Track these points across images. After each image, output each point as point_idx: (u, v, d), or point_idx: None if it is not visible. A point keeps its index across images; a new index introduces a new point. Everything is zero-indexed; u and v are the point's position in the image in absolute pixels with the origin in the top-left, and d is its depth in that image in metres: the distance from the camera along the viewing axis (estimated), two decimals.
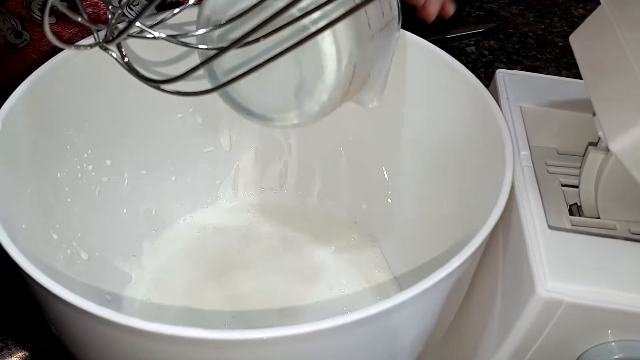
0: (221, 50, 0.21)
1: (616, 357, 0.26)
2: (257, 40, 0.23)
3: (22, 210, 0.32)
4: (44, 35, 0.42)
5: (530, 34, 0.74)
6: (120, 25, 0.25)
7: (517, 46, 0.72)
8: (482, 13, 0.77)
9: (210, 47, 0.24)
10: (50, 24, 0.31)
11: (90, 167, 0.39)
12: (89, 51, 0.30)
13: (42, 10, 0.20)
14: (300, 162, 0.47)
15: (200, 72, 0.24)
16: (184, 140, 0.44)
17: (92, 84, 0.38)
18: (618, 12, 0.27)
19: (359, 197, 0.46)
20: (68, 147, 0.37)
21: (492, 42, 0.72)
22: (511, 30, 0.74)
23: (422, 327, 0.28)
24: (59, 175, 0.37)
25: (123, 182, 0.42)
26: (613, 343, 0.27)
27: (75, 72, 0.36)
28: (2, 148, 0.31)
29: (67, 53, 0.35)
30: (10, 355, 0.40)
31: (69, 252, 0.37)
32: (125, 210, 0.42)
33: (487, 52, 0.70)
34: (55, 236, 0.36)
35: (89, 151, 0.39)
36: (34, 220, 0.34)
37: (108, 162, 0.41)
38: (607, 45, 0.27)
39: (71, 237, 0.37)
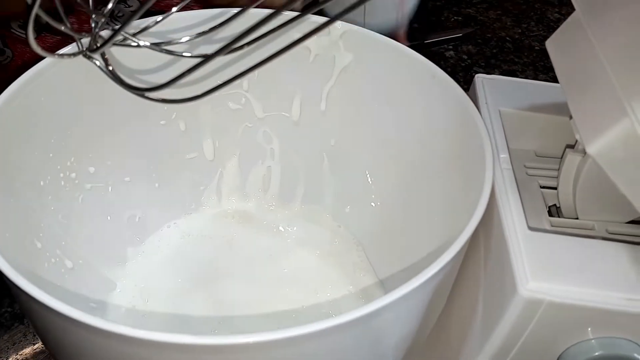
0: (206, 58, 0.21)
1: (596, 353, 0.27)
2: (240, 47, 0.23)
3: (6, 218, 0.32)
4: (26, 51, 0.42)
5: (507, 38, 0.75)
6: (104, 34, 0.25)
7: (494, 50, 0.73)
8: (460, 18, 0.78)
9: (194, 54, 0.25)
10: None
11: (73, 174, 0.39)
12: (70, 59, 0.30)
13: (23, 25, 0.20)
14: (283, 167, 0.47)
15: (185, 79, 0.24)
16: (167, 146, 0.44)
17: (74, 92, 0.37)
18: (591, 19, 0.28)
19: (343, 201, 0.46)
20: (51, 155, 0.37)
21: (470, 46, 0.73)
22: (489, 35, 0.75)
23: (406, 329, 0.29)
24: (42, 183, 0.37)
25: (106, 189, 0.42)
26: (593, 340, 0.27)
27: (57, 81, 0.36)
28: None
29: (48, 62, 0.34)
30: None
31: (53, 260, 0.37)
32: (109, 218, 0.42)
33: (465, 57, 0.71)
34: (39, 245, 0.35)
35: (72, 159, 0.39)
36: (17, 229, 0.34)
37: (91, 170, 0.40)
38: (582, 51, 0.28)
39: (55, 245, 0.37)
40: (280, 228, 0.47)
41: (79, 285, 0.38)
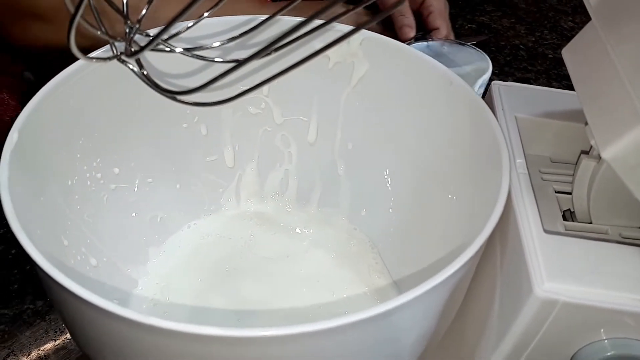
0: (239, 63, 0.22)
1: (609, 354, 0.28)
2: (268, 53, 0.25)
3: (37, 216, 0.33)
4: None
5: (521, 46, 0.76)
6: (136, 38, 0.26)
7: (508, 58, 0.74)
8: (474, 26, 0.79)
9: (225, 60, 0.26)
10: None
11: (99, 175, 0.40)
12: (100, 63, 0.31)
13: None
14: (300, 170, 0.48)
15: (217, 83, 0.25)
16: (189, 149, 0.46)
17: (101, 95, 0.39)
18: (607, 27, 0.29)
19: (359, 205, 0.47)
20: (78, 155, 0.38)
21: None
22: (503, 43, 0.76)
23: (423, 328, 0.29)
24: (69, 182, 0.38)
25: (130, 189, 0.43)
26: (606, 340, 0.28)
27: (85, 84, 0.37)
28: (19, 156, 0.32)
29: (77, 66, 0.36)
30: None
31: (78, 257, 0.38)
32: (131, 218, 0.44)
33: None
34: (66, 242, 0.37)
35: (98, 160, 0.40)
36: (47, 226, 0.35)
37: (116, 170, 0.42)
38: (598, 59, 0.29)
39: (80, 243, 0.38)
40: (297, 230, 0.48)
41: (102, 282, 0.39)
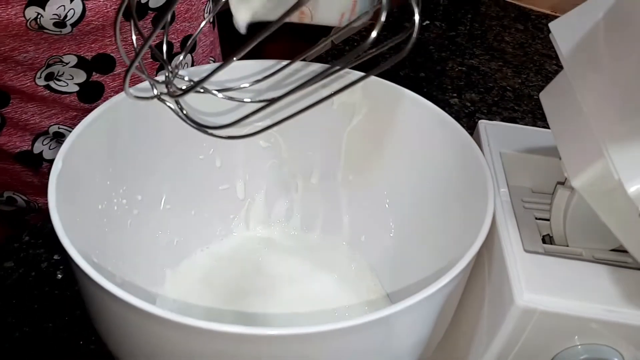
0: (269, 102, 0.27)
1: (581, 357, 0.32)
2: (294, 93, 0.29)
3: (76, 236, 0.37)
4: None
5: (508, 87, 0.81)
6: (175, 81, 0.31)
7: (496, 99, 0.79)
8: (464, 68, 0.84)
9: (256, 100, 0.30)
10: None
11: (124, 201, 0.44)
12: (132, 101, 0.35)
13: (126, 72, 0.25)
14: (305, 199, 0.53)
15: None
16: (204, 179, 0.50)
17: (131, 128, 0.43)
18: (576, 75, 0.33)
19: (358, 231, 0.51)
20: (108, 182, 0.43)
21: (473, 94, 0.79)
22: (491, 84, 0.81)
23: (419, 335, 0.33)
24: (99, 207, 0.42)
25: (150, 215, 0.47)
26: (579, 346, 0.32)
27: (120, 118, 0.42)
28: (63, 182, 0.36)
29: (115, 100, 0.40)
30: None
31: (105, 275, 0.42)
32: (151, 241, 0.48)
33: (469, 104, 0.77)
34: (95, 260, 0.40)
35: (125, 187, 0.44)
36: (81, 246, 0.39)
37: (139, 197, 0.46)
38: (568, 101, 0.33)
39: (107, 263, 0.42)
40: (301, 254, 0.51)
41: None
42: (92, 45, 0.49)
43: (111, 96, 0.41)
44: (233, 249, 0.51)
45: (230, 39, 0.70)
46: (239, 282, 0.49)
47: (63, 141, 0.36)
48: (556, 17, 0.37)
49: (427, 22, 0.94)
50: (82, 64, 0.51)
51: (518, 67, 0.85)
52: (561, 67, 0.36)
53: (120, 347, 0.35)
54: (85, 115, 0.39)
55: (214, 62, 0.65)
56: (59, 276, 0.51)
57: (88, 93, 0.53)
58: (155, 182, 0.47)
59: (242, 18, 0.34)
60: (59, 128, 0.54)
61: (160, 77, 0.36)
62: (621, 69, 0.31)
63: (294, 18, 0.34)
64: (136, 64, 0.25)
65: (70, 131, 0.42)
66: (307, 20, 0.35)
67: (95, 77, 0.52)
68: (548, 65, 0.86)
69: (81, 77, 0.52)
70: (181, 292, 0.48)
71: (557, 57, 0.88)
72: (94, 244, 0.41)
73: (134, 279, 0.45)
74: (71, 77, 0.51)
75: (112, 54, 0.52)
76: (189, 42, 0.53)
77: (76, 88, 0.52)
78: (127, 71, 0.25)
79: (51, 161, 0.38)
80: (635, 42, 0.30)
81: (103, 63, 0.52)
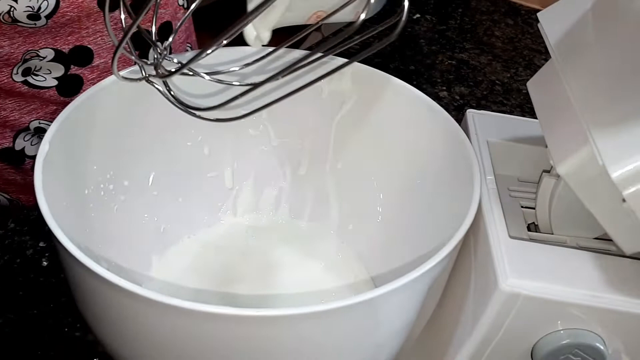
0: (255, 86, 0.27)
1: (564, 342, 0.32)
2: (278, 78, 0.29)
3: (62, 219, 0.37)
4: None
5: (497, 81, 0.82)
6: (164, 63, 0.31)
7: (485, 92, 0.79)
8: (453, 62, 0.85)
9: (242, 83, 0.30)
10: None
11: (111, 186, 0.44)
12: (121, 84, 0.35)
13: (114, 53, 0.25)
14: (293, 188, 0.53)
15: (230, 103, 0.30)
16: (192, 166, 0.50)
17: (119, 112, 0.43)
18: (564, 64, 0.34)
19: (346, 219, 0.51)
20: (95, 167, 0.42)
21: (462, 88, 0.79)
22: (480, 78, 0.82)
23: (404, 319, 0.34)
24: (86, 192, 0.42)
25: (137, 201, 0.47)
26: (562, 331, 0.32)
27: (108, 102, 0.41)
28: (50, 165, 0.35)
29: (105, 84, 0.40)
30: None
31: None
32: (137, 227, 0.47)
33: (458, 97, 0.77)
34: (81, 245, 0.40)
35: (111, 172, 0.44)
36: (67, 230, 0.38)
37: (126, 183, 0.46)
38: (556, 90, 0.34)
39: (94, 247, 0.42)
40: (289, 242, 0.52)
41: None
42: (69, 37, 0.49)
43: None
44: (220, 237, 0.51)
45: (202, 26, 0.70)
46: (226, 269, 0.49)
47: None
48: None
49: (418, 15, 0.94)
50: (59, 57, 0.50)
51: (507, 62, 0.86)
52: None
53: (107, 331, 0.35)
54: None
55: (191, 48, 0.65)
56: (45, 263, 0.51)
57: (67, 87, 0.53)
58: (142, 168, 0.47)
59: (265, 36, 0.34)
60: (39, 123, 0.54)
61: (149, 61, 0.36)
62: (608, 57, 0.31)
63: (311, 20, 0.34)
64: (124, 43, 0.24)
65: None
66: (324, 20, 0.35)
67: (74, 70, 0.52)
68: (537, 60, 0.87)
69: (59, 70, 0.51)
70: (168, 279, 0.48)
71: (546, 52, 0.88)
72: (80, 228, 0.41)
73: (120, 265, 0.45)
74: (49, 72, 0.51)
75: (89, 46, 0.51)
76: (178, 26, 0.52)
77: (55, 82, 0.52)
78: (115, 51, 0.25)
79: (33, 157, 0.38)
80: (622, 31, 0.30)
81: (81, 55, 0.51)
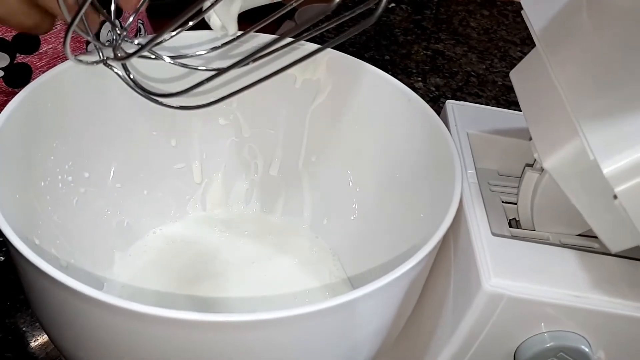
0: (221, 71, 0.25)
1: (548, 345, 0.31)
2: (247, 63, 0.27)
3: (11, 214, 0.34)
4: None
5: (472, 73, 0.80)
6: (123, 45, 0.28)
7: (461, 84, 0.78)
8: (429, 52, 0.83)
9: (207, 68, 0.28)
10: None
11: (70, 178, 0.41)
12: (79, 69, 0.33)
13: (66, 32, 0.22)
14: (265, 181, 0.51)
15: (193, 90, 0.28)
16: (158, 156, 0.47)
17: (78, 100, 0.40)
18: (550, 52, 0.32)
19: (321, 214, 0.49)
20: (52, 157, 0.39)
21: (438, 79, 0.78)
22: (455, 69, 0.81)
23: (381, 321, 0.32)
24: (42, 184, 0.39)
25: (99, 194, 0.44)
26: (545, 333, 0.31)
27: (64, 88, 0.38)
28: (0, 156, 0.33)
29: (60, 69, 0.37)
30: None
31: (48, 258, 0.39)
32: (99, 221, 0.45)
33: (433, 89, 0.76)
34: (37, 241, 0.37)
35: (70, 163, 0.41)
36: (20, 225, 0.36)
37: (86, 175, 0.43)
38: (541, 79, 0.32)
39: (50, 244, 0.39)
40: (261, 237, 0.49)
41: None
42: None
43: None
44: (188, 231, 0.49)
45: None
46: (193, 266, 0.47)
47: None
48: (521, 4, 0.35)
49: (394, 4, 0.93)
50: (2, 46, 0.47)
51: (483, 53, 0.85)
52: (525, 55, 0.35)
53: (63, 337, 0.32)
54: None
55: (142, 23, 0.62)
56: (1, 259, 0.48)
57: (15, 76, 0.49)
58: (104, 159, 0.44)
59: (231, 28, 0.32)
60: None
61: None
62: (597, 43, 0.29)
63: None
64: (77, 20, 0.22)
65: None
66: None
67: (20, 58, 0.49)
68: (512, 51, 0.86)
69: (4, 60, 0.48)
70: (131, 277, 0.45)
71: (521, 44, 0.88)
72: (35, 223, 0.38)
73: (80, 262, 0.42)
74: None
75: None
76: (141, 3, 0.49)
77: (1, 73, 0.48)
78: (67, 29, 0.22)
79: None
80: (612, 16, 0.29)
81: (26, 42, 0.48)
